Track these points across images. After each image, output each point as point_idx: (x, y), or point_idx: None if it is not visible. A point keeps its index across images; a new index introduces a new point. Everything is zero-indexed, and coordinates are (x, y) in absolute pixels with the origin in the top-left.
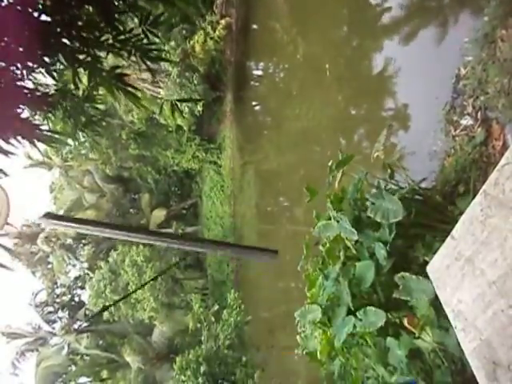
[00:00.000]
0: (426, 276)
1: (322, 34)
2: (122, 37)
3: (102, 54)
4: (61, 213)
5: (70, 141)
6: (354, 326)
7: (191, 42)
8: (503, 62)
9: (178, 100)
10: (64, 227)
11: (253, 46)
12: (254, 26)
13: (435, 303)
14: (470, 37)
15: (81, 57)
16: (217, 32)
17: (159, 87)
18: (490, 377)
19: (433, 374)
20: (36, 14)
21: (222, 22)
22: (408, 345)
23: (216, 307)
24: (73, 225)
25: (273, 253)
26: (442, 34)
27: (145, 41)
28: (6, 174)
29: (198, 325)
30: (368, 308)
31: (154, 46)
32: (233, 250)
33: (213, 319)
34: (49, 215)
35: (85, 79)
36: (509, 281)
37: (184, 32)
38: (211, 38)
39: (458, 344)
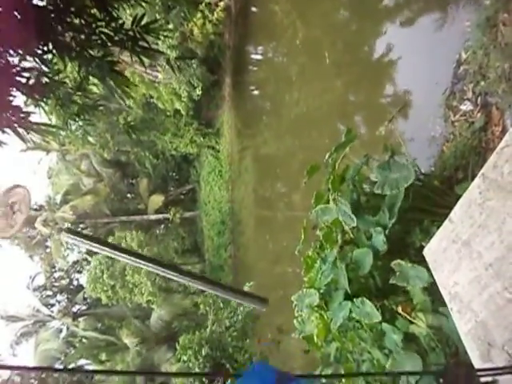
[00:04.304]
0: (423, 261)
1: (322, 17)
2: (114, 25)
3: (94, 41)
4: (58, 197)
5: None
6: (351, 311)
7: (189, 25)
8: (504, 47)
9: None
10: (81, 243)
11: (252, 30)
12: (253, 9)
13: (430, 288)
14: (472, 21)
15: (72, 44)
16: (215, 15)
17: (157, 71)
18: (485, 357)
19: (427, 356)
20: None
21: (221, 4)
22: (403, 330)
23: None
24: (90, 242)
25: (264, 301)
26: (443, 18)
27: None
28: (3, 143)
29: (205, 308)
30: (366, 300)
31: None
32: (228, 292)
33: (221, 305)
34: (68, 230)
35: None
36: (505, 264)
37: (182, 15)
38: (210, 21)
39: (453, 327)
